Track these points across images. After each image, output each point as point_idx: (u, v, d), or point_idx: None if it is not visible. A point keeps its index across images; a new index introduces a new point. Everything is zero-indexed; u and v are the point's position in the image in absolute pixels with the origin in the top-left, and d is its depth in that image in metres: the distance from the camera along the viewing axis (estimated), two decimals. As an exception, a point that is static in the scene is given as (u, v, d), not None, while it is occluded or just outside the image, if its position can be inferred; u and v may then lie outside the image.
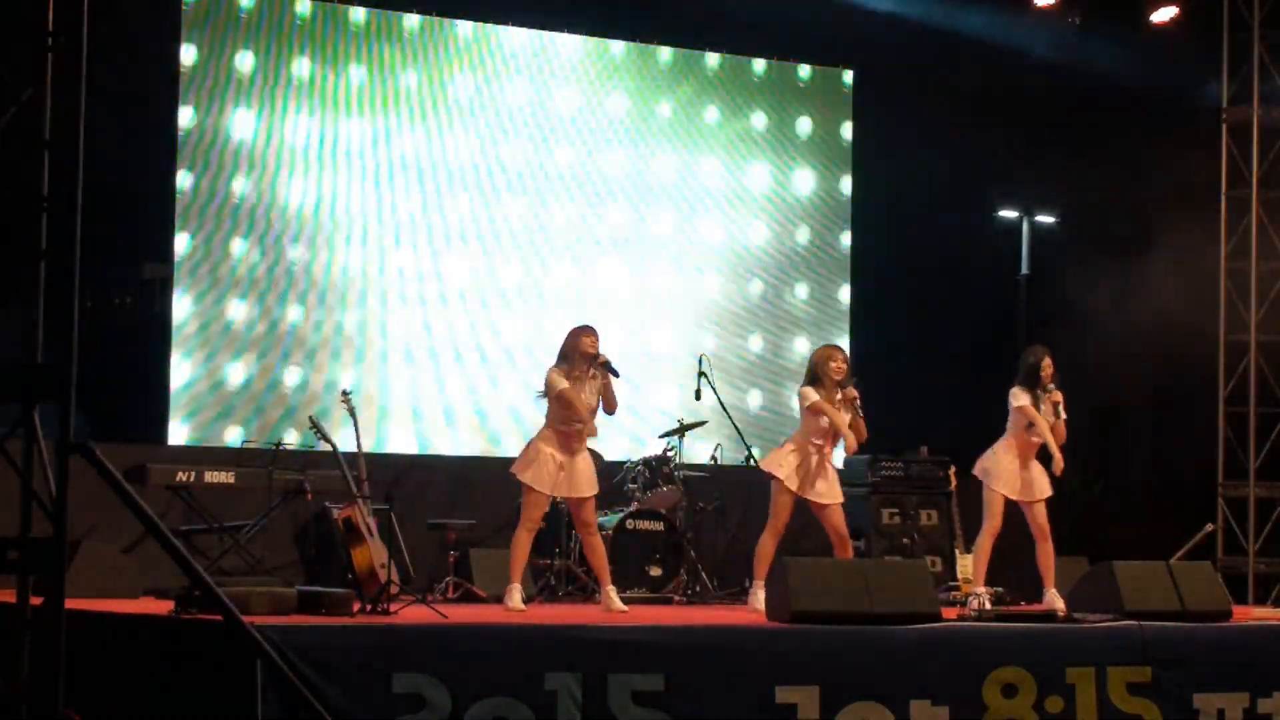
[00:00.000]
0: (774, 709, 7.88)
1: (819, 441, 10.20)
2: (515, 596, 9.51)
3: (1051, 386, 10.37)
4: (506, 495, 11.19)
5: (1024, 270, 15.42)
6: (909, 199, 14.30)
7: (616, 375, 9.81)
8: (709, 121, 14.20)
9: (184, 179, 12.30)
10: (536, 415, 10.12)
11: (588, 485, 9.72)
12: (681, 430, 12.22)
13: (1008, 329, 14.82)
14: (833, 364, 10.26)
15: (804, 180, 14.57)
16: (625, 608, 9.61)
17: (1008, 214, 15.47)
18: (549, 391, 9.69)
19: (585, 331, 9.80)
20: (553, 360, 9.85)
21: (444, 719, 7.25)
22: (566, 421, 9.65)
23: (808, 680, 7.97)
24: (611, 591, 9.68)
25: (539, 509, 9.66)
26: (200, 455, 11.78)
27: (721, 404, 12.24)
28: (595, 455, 11.15)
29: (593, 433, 9.81)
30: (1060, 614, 9.32)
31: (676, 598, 11.36)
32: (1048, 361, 10.38)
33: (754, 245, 14.32)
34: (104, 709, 7.61)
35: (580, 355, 9.69)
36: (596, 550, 9.80)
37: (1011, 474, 10.42)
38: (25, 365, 6.60)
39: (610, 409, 9.80)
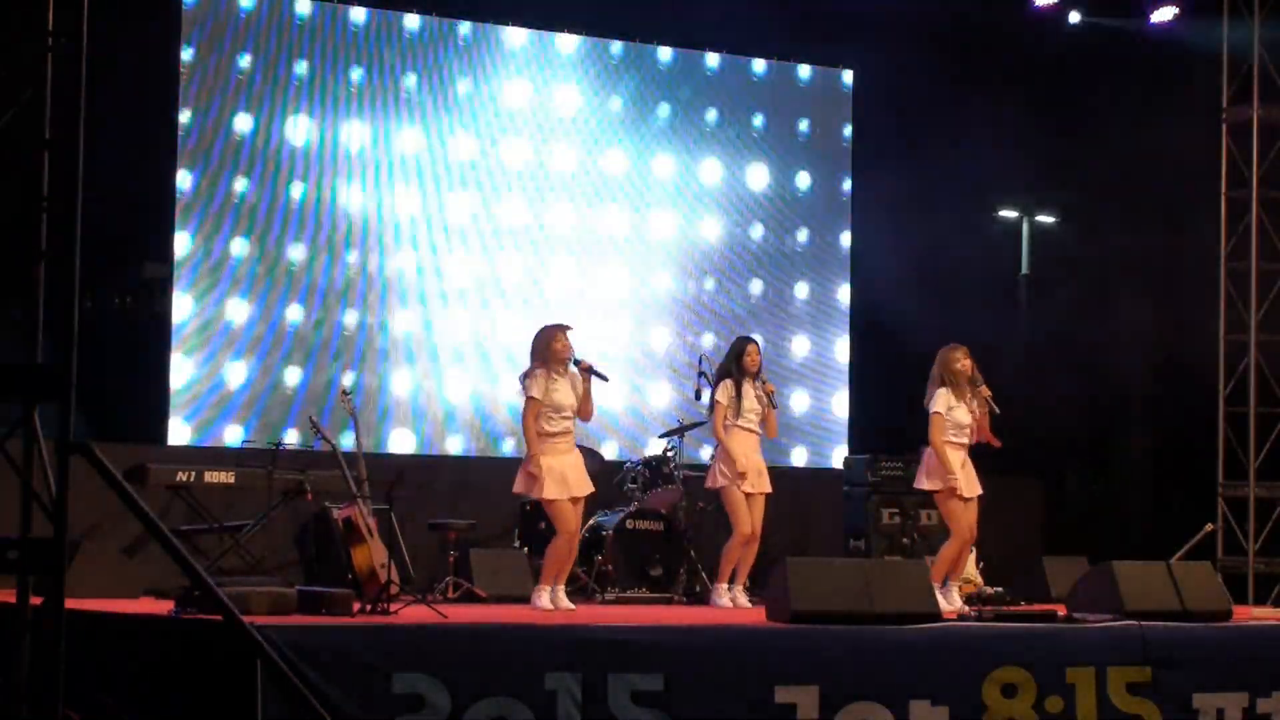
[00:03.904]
0: (774, 709, 7.88)
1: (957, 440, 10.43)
2: (543, 597, 9.57)
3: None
4: (506, 495, 11.17)
5: (1024, 270, 15.42)
6: (909, 199, 14.30)
7: (605, 379, 9.76)
8: (709, 122, 14.20)
9: (184, 179, 12.30)
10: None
11: (578, 488, 9.69)
12: (681, 430, 12.21)
13: (1008, 329, 14.82)
14: (959, 366, 10.45)
15: (804, 180, 14.57)
16: (573, 606, 9.63)
17: (1008, 214, 15.47)
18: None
19: (556, 332, 9.70)
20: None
21: (444, 719, 7.26)
22: (552, 422, 9.63)
23: (807, 680, 7.96)
24: (544, 592, 9.66)
25: (567, 516, 9.62)
26: (200, 455, 11.79)
27: (722, 404, 12.23)
28: (595, 455, 11.17)
29: (585, 416, 9.77)
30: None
31: (676, 598, 11.36)
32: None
33: (753, 245, 14.32)
34: (104, 709, 7.61)
35: (554, 357, 9.65)
36: (570, 553, 9.79)
37: None
38: (25, 365, 6.60)
39: (584, 416, 9.75)
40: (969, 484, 10.46)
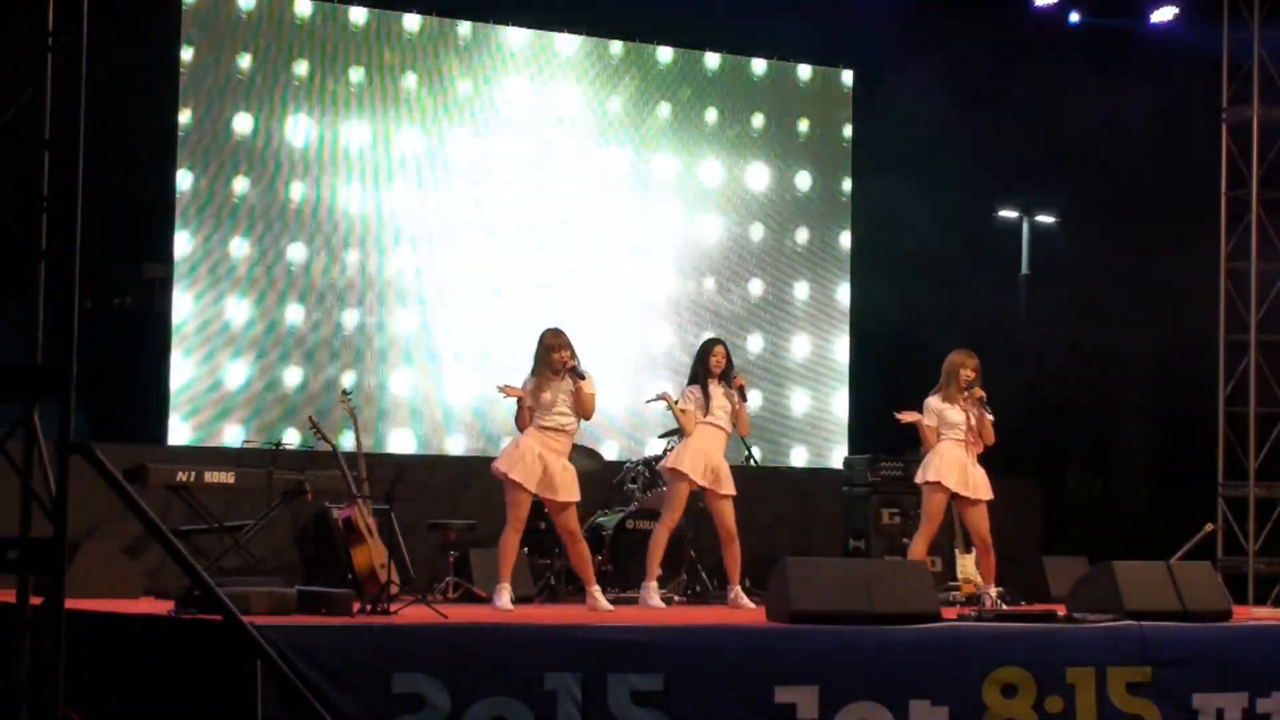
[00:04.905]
0: (773, 709, 7.88)
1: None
2: (504, 596, 9.51)
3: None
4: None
5: (1024, 270, 15.42)
6: (909, 199, 14.30)
7: (582, 377, 9.71)
8: (709, 122, 14.20)
9: (184, 179, 12.30)
10: (535, 415, 10.11)
11: (566, 491, 9.60)
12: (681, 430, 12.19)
13: (1008, 329, 14.83)
14: (964, 371, 10.59)
15: (803, 180, 14.58)
16: (611, 607, 9.63)
17: (1008, 214, 15.46)
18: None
19: (552, 341, 9.69)
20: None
21: (444, 719, 7.26)
22: (546, 417, 9.62)
23: (807, 680, 7.96)
24: (596, 592, 9.69)
25: (522, 507, 9.60)
26: (200, 455, 11.79)
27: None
28: (595, 455, 11.15)
29: (581, 415, 9.74)
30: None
31: (676, 598, 11.35)
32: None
33: (754, 245, 14.33)
34: (104, 709, 7.61)
35: (549, 365, 9.65)
36: (582, 557, 9.77)
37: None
38: (25, 365, 6.60)
39: (584, 415, 9.74)
40: (964, 483, 10.50)
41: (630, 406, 13.56)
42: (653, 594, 10.26)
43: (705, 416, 10.40)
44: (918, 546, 10.65)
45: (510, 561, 9.66)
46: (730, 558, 10.45)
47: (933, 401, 10.65)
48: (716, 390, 10.42)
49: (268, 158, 12.60)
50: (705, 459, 10.33)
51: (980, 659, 8.40)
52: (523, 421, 9.69)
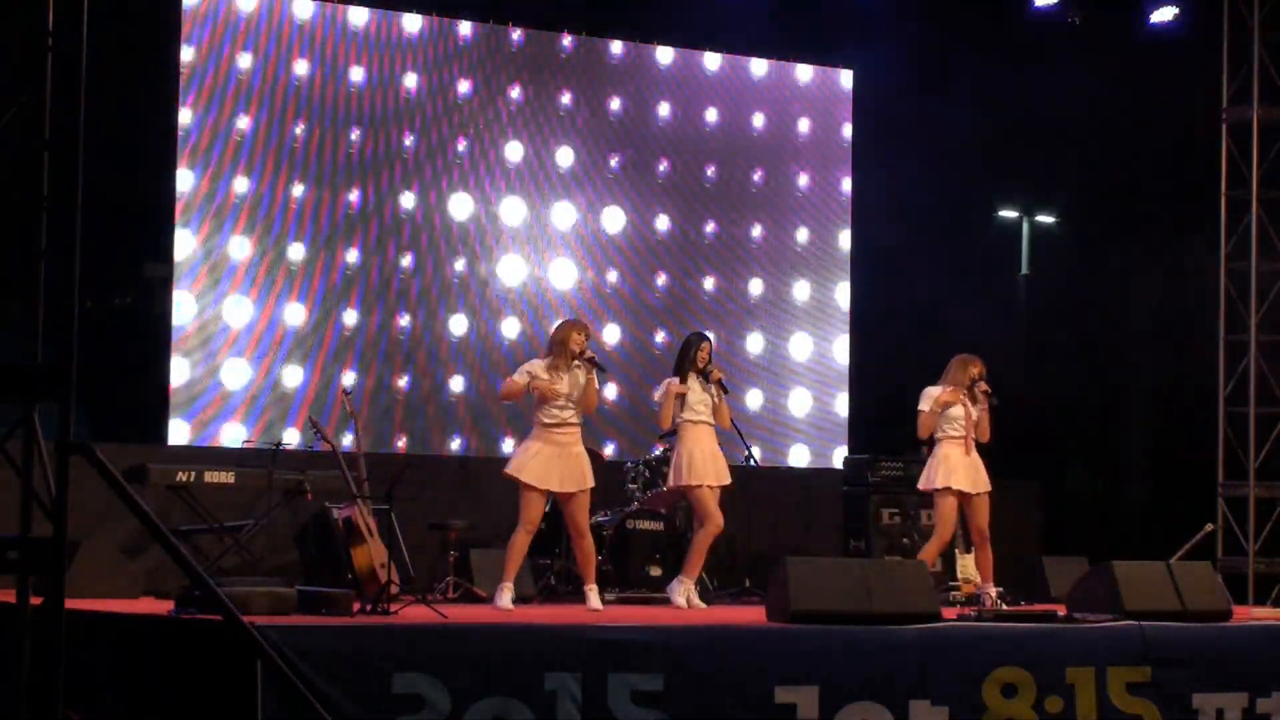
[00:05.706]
0: (773, 709, 7.88)
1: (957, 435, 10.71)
2: (505, 597, 9.52)
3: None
4: (507, 495, 11.17)
5: (1024, 270, 15.42)
6: (909, 199, 14.31)
7: (604, 370, 9.77)
8: (709, 122, 14.20)
9: (184, 179, 12.30)
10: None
11: (576, 481, 9.66)
12: (681, 430, 12.18)
13: (1008, 329, 14.83)
14: (971, 369, 10.80)
15: (804, 180, 14.57)
16: (601, 607, 9.64)
17: (1008, 214, 15.47)
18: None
19: (575, 327, 9.80)
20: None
21: (444, 719, 7.26)
22: (548, 413, 9.65)
23: (807, 680, 7.96)
24: (592, 591, 9.69)
25: (534, 508, 9.64)
26: (200, 455, 11.79)
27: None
28: (594, 455, 11.15)
29: (585, 408, 9.76)
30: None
31: (677, 597, 11.34)
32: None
33: (754, 245, 14.33)
34: (104, 709, 7.61)
35: (564, 349, 9.68)
36: (585, 553, 9.78)
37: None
38: (25, 365, 6.59)
39: (587, 408, 9.77)
40: (970, 480, 10.56)
41: (630, 407, 13.57)
42: (680, 594, 10.22)
43: (683, 412, 10.36)
44: (930, 551, 10.67)
45: (517, 563, 9.68)
46: (705, 544, 10.36)
47: (932, 390, 10.72)
48: (694, 385, 10.38)
49: (268, 158, 12.59)
50: (712, 459, 10.30)
51: (980, 659, 8.40)
52: (510, 389, 9.70)
